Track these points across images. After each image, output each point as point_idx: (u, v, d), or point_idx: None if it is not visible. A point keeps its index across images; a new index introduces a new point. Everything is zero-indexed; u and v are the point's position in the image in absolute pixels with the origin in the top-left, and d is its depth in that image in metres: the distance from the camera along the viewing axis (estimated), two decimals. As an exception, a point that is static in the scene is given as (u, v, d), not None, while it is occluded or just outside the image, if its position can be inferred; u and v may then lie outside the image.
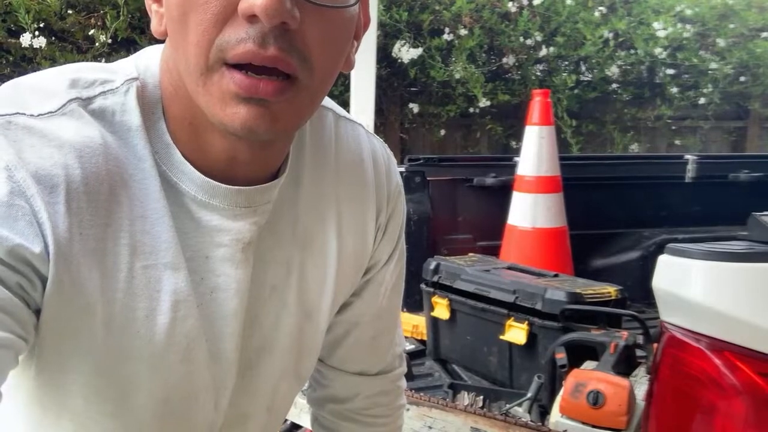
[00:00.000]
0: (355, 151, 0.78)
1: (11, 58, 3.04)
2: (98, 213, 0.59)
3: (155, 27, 0.63)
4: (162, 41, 0.66)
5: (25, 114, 0.58)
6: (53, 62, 3.04)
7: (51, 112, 0.59)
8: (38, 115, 0.59)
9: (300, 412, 1.69)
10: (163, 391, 0.66)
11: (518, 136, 3.71)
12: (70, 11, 3.09)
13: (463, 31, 3.99)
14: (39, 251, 0.55)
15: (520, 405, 1.93)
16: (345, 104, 2.67)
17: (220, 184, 0.64)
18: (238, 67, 0.56)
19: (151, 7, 0.64)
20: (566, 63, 4.45)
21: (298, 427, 1.79)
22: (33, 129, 0.58)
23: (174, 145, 0.64)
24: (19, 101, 0.60)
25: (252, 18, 0.54)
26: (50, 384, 0.64)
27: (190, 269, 0.65)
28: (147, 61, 0.67)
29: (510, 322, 2.12)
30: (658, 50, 4.50)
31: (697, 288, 1.06)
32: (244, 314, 0.69)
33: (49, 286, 0.57)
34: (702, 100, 4.80)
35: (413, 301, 2.66)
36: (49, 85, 0.62)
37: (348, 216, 0.77)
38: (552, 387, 1.88)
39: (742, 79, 4.86)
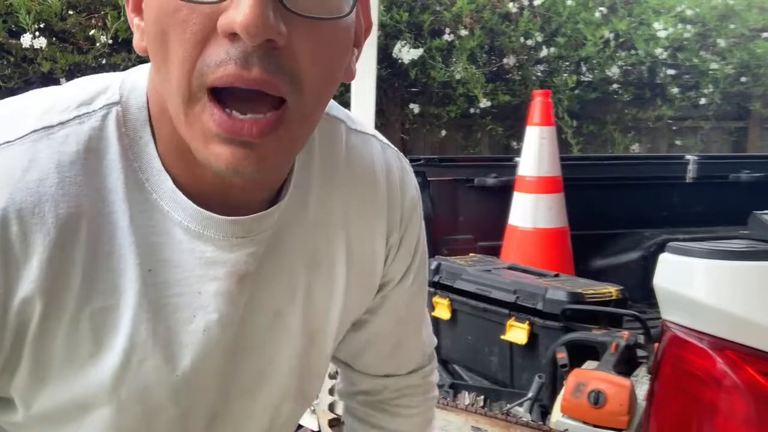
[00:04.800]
0: (367, 167, 0.74)
1: (12, 59, 3.04)
2: (41, 266, 0.55)
3: (137, 42, 0.58)
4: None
5: None
6: (54, 63, 3.04)
7: (8, 142, 0.56)
8: None
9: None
10: (114, 425, 0.63)
11: (519, 137, 3.71)
12: (70, 12, 3.09)
13: (463, 32, 3.99)
14: None
15: (521, 405, 1.92)
16: (345, 105, 2.66)
17: (213, 215, 0.60)
18: (220, 94, 0.51)
19: (133, 21, 0.59)
20: (567, 63, 4.45)
21: (299, 426, 1.79)
22: None
23: (165, 172, 0.59)
24: None
25: (233, 36, 0.49)
26: None
27: (179, 305, 0.61)
28: (134, 81, 0.62)
29: (511, 321, 2.12)
30: (658, 51, 4.50)
31: (699, 286, 1.06)
32: (238, 345, 0.66)
33: None
34: (703, 101, 4.80)
35: (414, 302, 2.65)
36: (23, 109, 0.59)
37: (357, 235, 0.73)
38: (553, 387, 1.88)
39: (742, 79, 4.86)
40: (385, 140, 0.79)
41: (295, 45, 0.51)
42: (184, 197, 0.60)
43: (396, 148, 0.80)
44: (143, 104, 0.60)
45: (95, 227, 0.57)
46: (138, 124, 0.60)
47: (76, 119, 0.58)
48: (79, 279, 0.57)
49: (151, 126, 0.60)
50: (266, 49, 0.50)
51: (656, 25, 4.49)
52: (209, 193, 0.60)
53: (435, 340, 0.94)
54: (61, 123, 0.58)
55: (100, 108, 0.59)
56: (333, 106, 0.74)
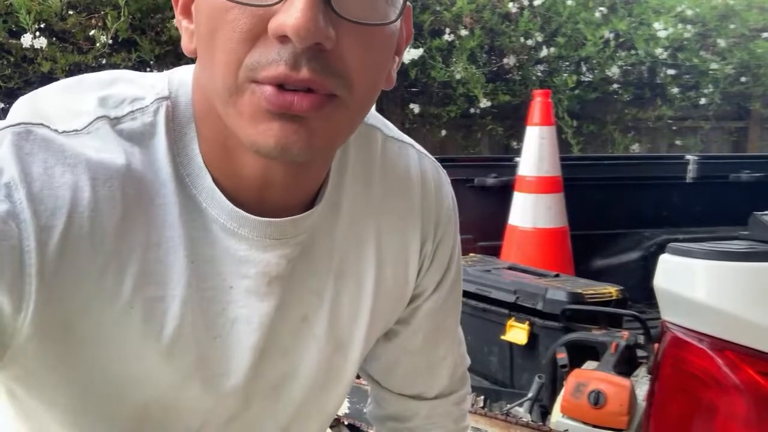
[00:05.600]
0: (402, 176, 0.74)
1: (12, 59, 3.04)
2: (104, 239, 0.57)
3: (185, 44, 0.60)
4: (193, 60, 0.62)
5: (49, 127, 0.57)
6: (54, 63, 3.04)
7: (76, 131, 0.57)
8: (62, 132, 0.57)
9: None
10: (144, 414, 0.64)
11: (519, 137, 3.71)
12: (70, 12, 3.08)
13: (463, 32, 3.99)
14: (10, 277, 0.53)
15: (521, 405, 1.92)
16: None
17: (248, 215, 0.61)
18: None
19: (181, 23, 0.61)
20: (567, 63, 4.44)
21: None
22: (52, 144, 0.56)
23: (206, 169, 0.61)
24: (44, 114, 0.58)
25: (283, 38, 0.50)
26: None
27: (212, 298, 0.62)
28: (182, 77, 0.64)
29: (511, 322, 2.12)
30: (658, 51, 4.49)
31: (699, 287, 1.06)
32: (265, 346, 0.66)
33: (25, 313, 0.55)
34: (703, 101, 4.79)
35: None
36: (77, 101, 0.60)
37: (388, 245, 0.73)
38: (553, 387, 1.88)
39: (742, 79, 4.85)
40: (423, 149, 0.79)
41: (342, 48, 0.52)
42: (221, 195, 0.61)
43: (433, 158, 0.80)
44: (190, 102, 0.62)
45: (149, 217, 0.59)
46: (184, 120, 0.62)
47: (130, 115, 0.60)
48: (137, 264, 0.58)
49: (195, 124, 0.62)
50: (314, 51, 0.51)
51: (656, 25, 4.48)
52: (246, 195, 0.62)
53: (468, 361, 0.93)
54: (117, 118, 0.60)
55: (151, 103, 0.61)
56: (370, 115, 0.74)
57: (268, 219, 0.62)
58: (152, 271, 0.59)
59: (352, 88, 0.54)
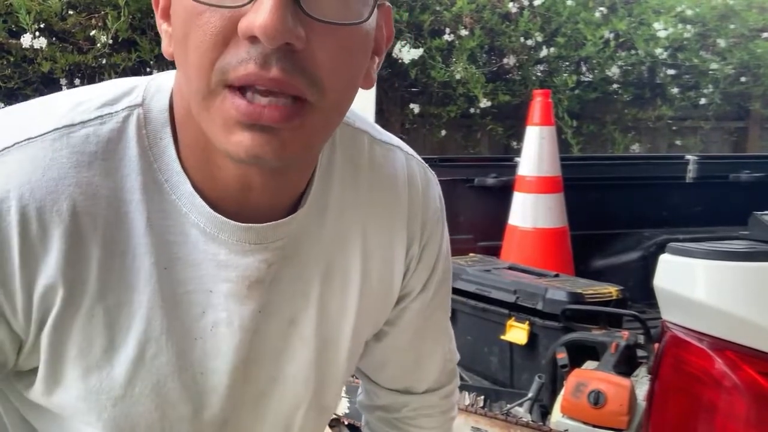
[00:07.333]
0: (389, 178, 0.74)
1: (12, 59, 3.03)
2: (59, 264, 0.57)
3: (165, 47, 0.60)
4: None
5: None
6: (54, 63, 3.04)
7: (30, 139, 0.58)
8: (14, 144, 0.57)
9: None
10: (128, 421, 0.65)
11: (519, 137, 3.71)
12: (70, 12, 3.08)
13: (463, 32, 3.99)
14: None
15: (521, 405, 1.92)
16: (346, 104, 2.64)
17: (228, 220, 0.62)
18: (241, 89, 0.52)
19: (162, 26, 0.61)
20: (567, 63, 4.44)
21: None
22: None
23: (184, 174, 0.61)
24: (18, 122, 0.60)
25: (253, 39, 0.50)
26: None
27: (191, 302, 0.63)
28: (161, 83, 0.64)
29: (511, 322, 2.12)
30: (658, 51, 4.49)
31: (699, 287, 1.06)
32: (252, 350, 0.66)
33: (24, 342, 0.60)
34: (703, 101, 4.79)
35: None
36: (51, 107, 0.61)
37: (374, 246, 0.73)
38: (553, 387, 1.88)
39: (742, 79, 4.85)
40: (411, 151, 0.79)
41: (314, 48, 0.52)
42: (201, 201, 0.61)
43: (422, 160, 0.80)
44: (165, 107, 0.62)
45: (111, 227, 0.59)
46: (158, 125, 0.61)
47: (98, 119, 0.60)
48: (95, 275, 0.59)
49: (174, 129, 0.62)
50: (285, 52, 0.51)
51: (656, 25, 4.48)
52: (227, 199, 0.62)
53: (458, 356, 0.93)
54: (82, 122, 0.60)
55: (122, 109, 0.61)
56: (358, 118, 0.74)
57: (247, 224, 0.62)
58: (114, 279, 0.60)
59: (323, 90, 0.54)
